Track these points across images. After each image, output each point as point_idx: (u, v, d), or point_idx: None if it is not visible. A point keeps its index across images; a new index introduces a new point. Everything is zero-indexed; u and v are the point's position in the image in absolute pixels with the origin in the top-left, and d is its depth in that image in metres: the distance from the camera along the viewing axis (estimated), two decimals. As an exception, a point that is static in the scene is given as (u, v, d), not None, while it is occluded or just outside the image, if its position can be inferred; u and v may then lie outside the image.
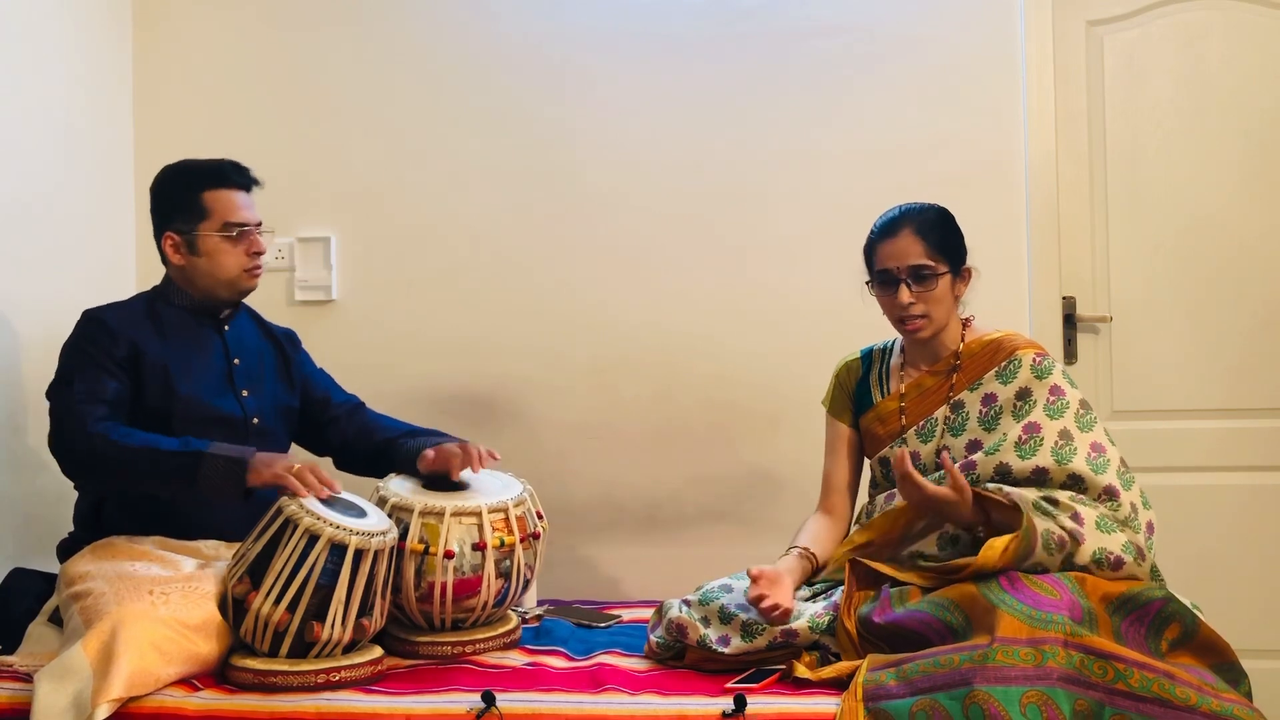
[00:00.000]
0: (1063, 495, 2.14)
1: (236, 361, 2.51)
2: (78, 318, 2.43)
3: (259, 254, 2.47)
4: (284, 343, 2.65)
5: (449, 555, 2.25)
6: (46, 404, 2.40)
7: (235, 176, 2.47)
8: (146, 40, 3.34)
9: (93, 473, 2.32)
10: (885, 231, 2.33)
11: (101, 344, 2.36)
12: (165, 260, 2.48)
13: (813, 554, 2.33)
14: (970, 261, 2.35)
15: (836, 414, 2.50)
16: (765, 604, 2.13)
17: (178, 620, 2.07)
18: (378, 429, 2.63)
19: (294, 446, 2.66)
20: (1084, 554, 2.07)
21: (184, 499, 2.32)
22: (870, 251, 2.36)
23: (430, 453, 2.41)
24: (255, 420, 2.49)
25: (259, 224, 2.49)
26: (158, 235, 2.48)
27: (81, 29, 3.13)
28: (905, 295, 2.28)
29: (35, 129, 2.90)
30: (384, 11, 3.31)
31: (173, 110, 3.33)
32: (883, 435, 2.39)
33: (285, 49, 3.33)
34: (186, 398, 2.39)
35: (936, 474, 2.26)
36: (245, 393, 2.49)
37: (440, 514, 2.28)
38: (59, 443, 2.31)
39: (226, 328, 2.53)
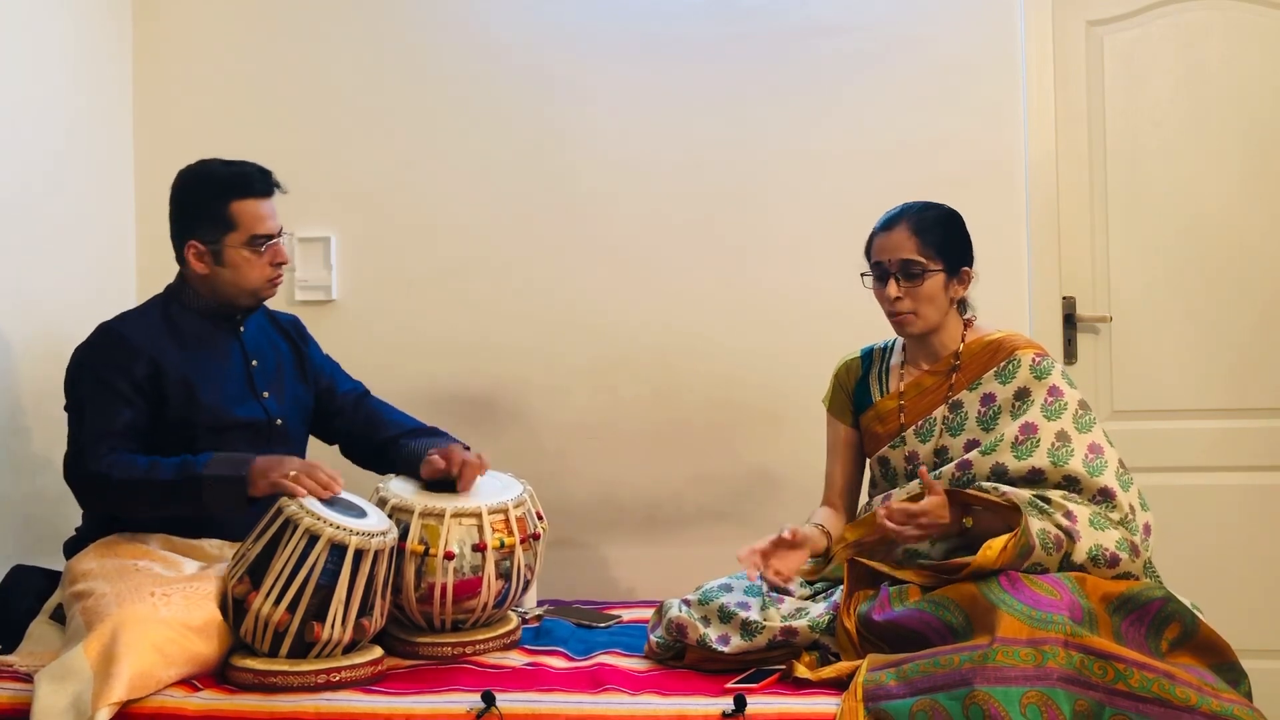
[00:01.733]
0: (1055, 494, 2.14)
1: (255, 363, 2.49)
2: (78, 319, 2.43)
3: (282, 264, 2.45)
4: (294, 335, 2.64)
5: (449, 556, 2.25)
6: (53, 406, 2.41)
7: (260, 184, 2.42)
8: (146, 40, 3.34)
9: (102, 506, 2.34)
10: (884, 225, 2.35)
11: (119, 363, 2.33)
12: (183, 264, 2.44)
13: (828, 531, 2.38)
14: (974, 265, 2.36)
15: (837, 414, 2.50)
16: (769, 573, 2.22)
17: (179, 621, 2.07)
18: (380, 425, 2.61)
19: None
20: (1080, 552, 2.07)
21: (194, 516, 2.33)
22: (869, 244, 2.38)
23: (438, 459, 2.38)
24: (279, 422, 2.48)
25: (280, 231, 2.45)
26: (179, 240, 2.42)
27: (81, 28, 3.13)
28: (893, 289, 2.29)
29: (35, 128, 2.90)
30: (384, 11, 3.31)
31: (173, 110, 3.33)
32: (882, 434, 2.40)
33: (285, 49, 3.33)
34: (210, 407, 2.38)
35: (931, 474, 2.26)
36: (266, 394, 2.48)
37: (440, 515, 2.28)
38: (70, 476, 2.32)
39: (242, 329, 2.51)
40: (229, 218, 2.38)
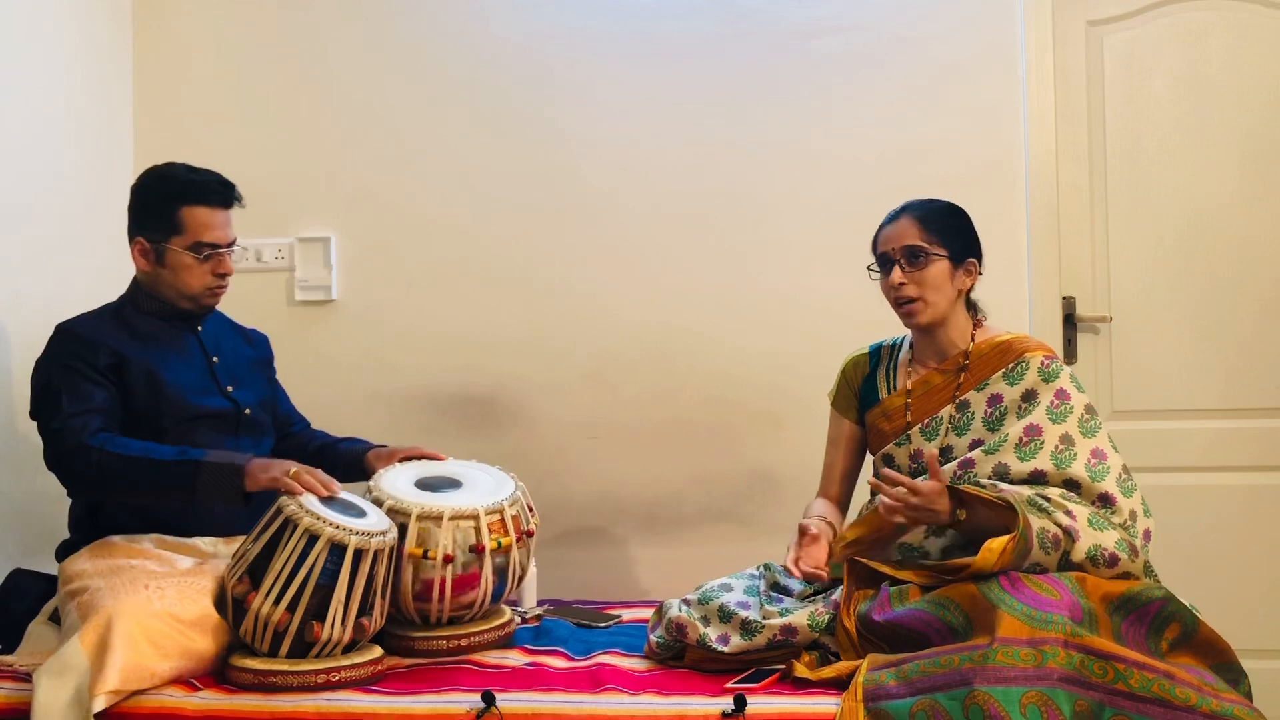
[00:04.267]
0: (1054, 493, 2.14)
1: (215, 359, 2.51)
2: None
3: (224, 275, 2.46)
4: (260, 346, 2.69)
5: (448, 559, 2.24)
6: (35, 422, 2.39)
7: (218, 194, 2.44)
8: (146, 40, 3.34)
9: (93, 486, 2.32)
10: (889, 218, 2.38)
11: (81, 355, 2.34)
12: (134, 260, 2.47)
13: (830, 523, 2.41)
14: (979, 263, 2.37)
15: (841, 410, 2.51)
16: (804, 565, 2.26)
17: (172, 615, 2.07)
18: (313, 438, 2.70)
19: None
20: (1079, 551, 2.07)
21: (183, 506, 2.33)
22: (875, 239, 2.39)
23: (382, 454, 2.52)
24: (247, 411, 2.50)
25: (232, 243, 2.46)
26: (130, 236, 2.46)
27: (81, 29, 3.13)
28: (897, 275, 2.31)
29: (35, 129, 2.90)
30: (384, 12, 3.31)
31: (173, 110, 3.33)
32: (888, 431, 2.40)
33: (285, 49, 3.33)
34: (174, 396, 2.39)
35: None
36: (230, 388, 2.50)
37: (439, 518, 2.27)
38: (58, 460, 2.31)
39: (200, 327, 2.53)
40: (177, 221, 2.40)
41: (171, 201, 2.41)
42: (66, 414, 2.28)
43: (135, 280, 2.50)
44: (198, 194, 2.42)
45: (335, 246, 3.31)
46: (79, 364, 2.33)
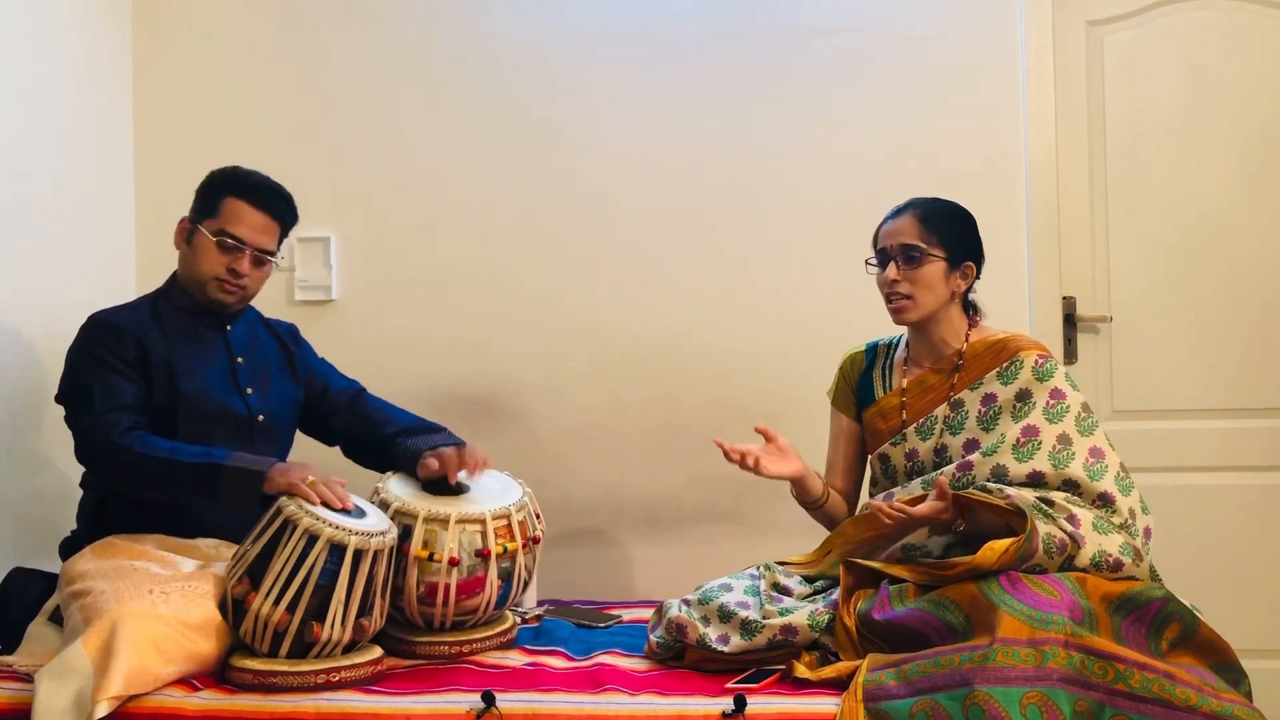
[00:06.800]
0: (1058, 497, 2.14)
1: (240, 360, 2.51)
2: (78, 319, 2.43)
3: (237, 275, 2.45)
4: (286, 339, 2.66)
5: (454, 563, 2.24)
6: (53, 407, 2.41)
7: (262, 195, 2.47)
8: (146, 40, 3.34)
9: (120, 482, 2.35)
10: (893, 213, 2.39)
11: (111, 347, 2.37)
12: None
13: (825, 485, 2.46)
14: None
15: (840, 407, 2.52)
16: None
17: (177, 619, 2.07)
18: (378, 422, 2.61)
19: (301, 438, 2.67)
20: (1083, 557, 2.07)
21: (204, 506, 2.34)
22: (876, 232, 2.41)
23: (433, 462, 2.40)
24: (260, 418, 2.50)
25: (260, 250, 2.46)
26: None
27: (81, 29, 3.13)
28: (892, 272, 2.33)
29: (35, 129, 2.90)
30: (384, 12, 3.31)
31: (173, 110, 3.33)
32: (884, 430, 2.40)
33: (285, 49, 3.33)
34: (191, 395, 2.40)
35: (932, 474, 2.27)
36: (250, 390, 2.50)
37: (445, 521, 2.27)
38: (87, 455, 2.34)
39: (229, 327, 2.53)
40: (216, 206, 2.45)
41: (220, 189, 2.47)
42: (98, 412, 2.31)
43: (174, 272, 2.53)
44: (244, 189, 2.46)
45: (335, 246, 3.31)
46: (108, 355, 2.36)
